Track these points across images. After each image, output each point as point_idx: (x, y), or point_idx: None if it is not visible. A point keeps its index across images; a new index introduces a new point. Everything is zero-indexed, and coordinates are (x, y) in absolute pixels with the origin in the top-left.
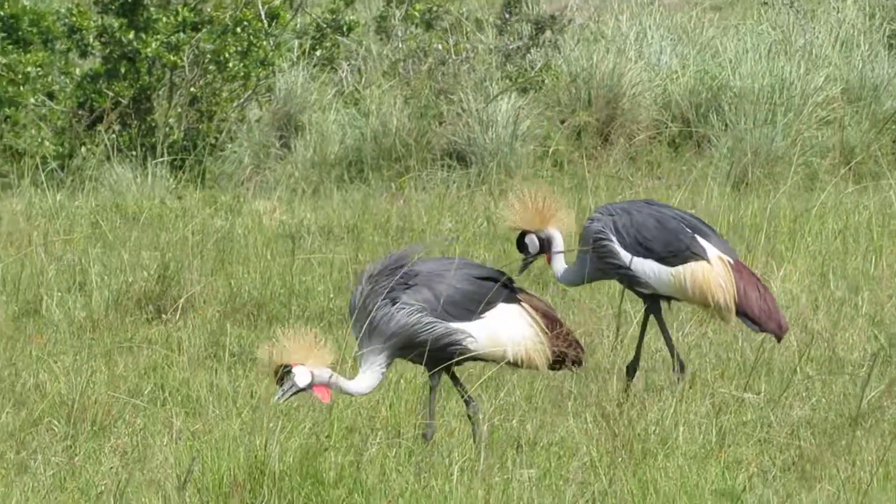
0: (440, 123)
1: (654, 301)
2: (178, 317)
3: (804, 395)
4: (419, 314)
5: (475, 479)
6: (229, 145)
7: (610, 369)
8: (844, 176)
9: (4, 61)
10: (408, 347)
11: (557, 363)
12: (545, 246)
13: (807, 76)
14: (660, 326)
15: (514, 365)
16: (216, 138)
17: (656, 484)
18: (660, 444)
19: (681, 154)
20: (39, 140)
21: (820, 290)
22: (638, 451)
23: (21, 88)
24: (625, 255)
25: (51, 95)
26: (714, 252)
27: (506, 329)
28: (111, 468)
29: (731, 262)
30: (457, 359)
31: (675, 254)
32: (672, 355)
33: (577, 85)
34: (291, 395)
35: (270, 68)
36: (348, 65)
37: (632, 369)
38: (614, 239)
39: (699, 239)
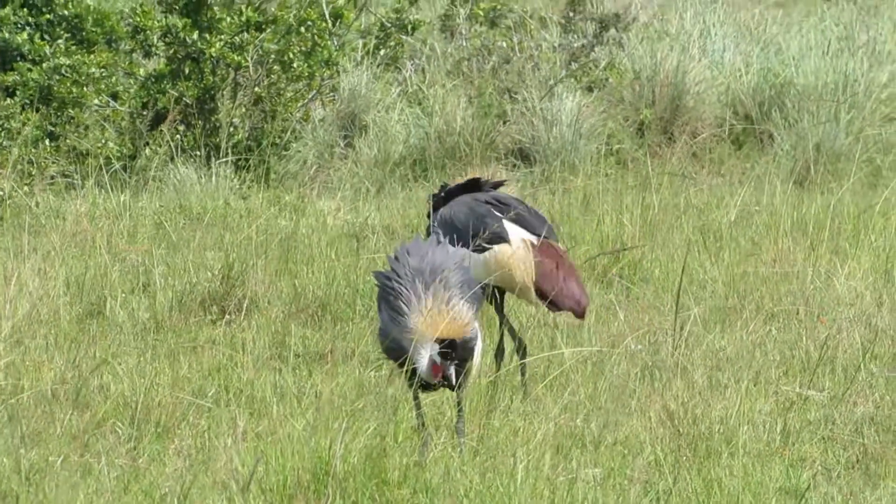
0: (504, 122)
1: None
2: (242, 317)
3: (868, 392)
4: None
5: (540, 479)
6: (293, 145)
7: (673, 367)
8: None
9: (68, 62)
10: None
11: None
12: None
13: (870, 73)
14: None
15: None
16: (280, 138)
17: (721, 482)
18: (724, 443)
19: (744, 151)
20: (103, 141)
21: (884, 287)
22: (702, 449)
23: (85, 89)
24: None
25: (115, 96)
26: (517, 234)
27: None
28: (175, 470)
29: (535, 242)
30: None
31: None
32: (513, 337)
33: (640, 83)
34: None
35: (335, 68)
36: (412, 64)
37: (500, 353)
38: (441, 233)
39: (505, 223)
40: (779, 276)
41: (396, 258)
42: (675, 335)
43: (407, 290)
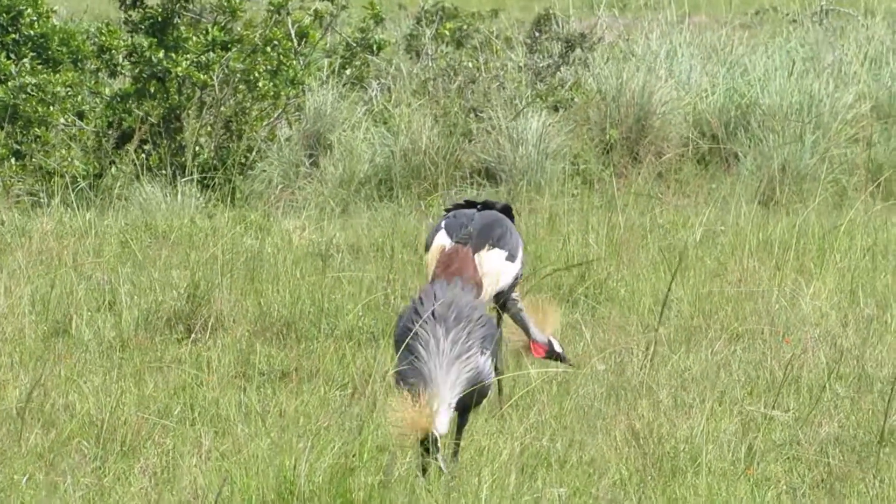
0: (470, 141)
1: None
2: (207, 336)
3: (833, 412)
4: None
5: (505, 499)
6: (259, 164)
7: (639, 387)
8: (873, 193)
9: (34, 81)
10: None
11: None
12: None
13: (835, 94)
14: None
15: None
16: (246, 157)
17: (686, 502)
18: (689, 462)
19: (709, 171)
20: (69, 160)
21: (849, 307)
22: (667, 469)
23: (51, 108)
24: None
25: (80, 115)
26: (440, 241)
27: None
28: (140, 489)
29: (448, 247)
30: None
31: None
32: None
33: (606, 103)
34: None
35: (300, 87)
36: (378, 83)
37: None
38: None
39: (440, 232)
40: (744, 296)
41: (422, 301)
42: (652, 351)
43: (427, 333)
